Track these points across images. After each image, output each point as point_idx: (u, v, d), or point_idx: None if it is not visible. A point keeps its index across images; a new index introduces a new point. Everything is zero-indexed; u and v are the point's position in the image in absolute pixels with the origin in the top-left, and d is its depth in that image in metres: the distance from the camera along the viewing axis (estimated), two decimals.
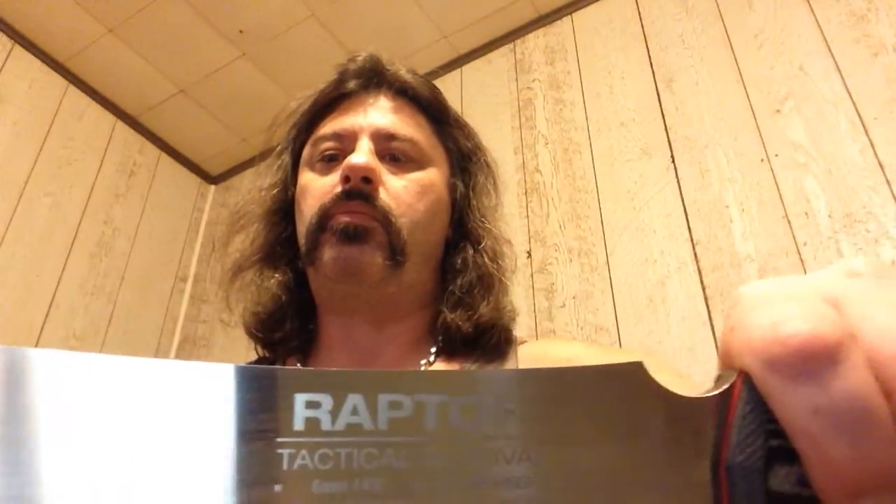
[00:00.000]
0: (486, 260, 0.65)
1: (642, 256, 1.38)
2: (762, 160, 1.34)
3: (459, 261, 0.66)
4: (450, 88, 1.95)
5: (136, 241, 2.05)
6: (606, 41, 1.71)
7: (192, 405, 0.15)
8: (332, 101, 0.69)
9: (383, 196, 0.61)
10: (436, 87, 0.73)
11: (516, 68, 1.85)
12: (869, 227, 1.17)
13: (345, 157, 0.62)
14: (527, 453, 0.16)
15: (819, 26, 1.39)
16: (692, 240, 1.34)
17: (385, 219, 0.60)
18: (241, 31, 1.91)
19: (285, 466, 0.15)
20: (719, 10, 1.55)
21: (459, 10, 1.86)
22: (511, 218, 1.59)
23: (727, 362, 0.17)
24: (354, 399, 0.15)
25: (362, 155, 0.61)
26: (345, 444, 0.15)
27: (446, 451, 0.15)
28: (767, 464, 0.16)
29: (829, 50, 1.36)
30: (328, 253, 0.59)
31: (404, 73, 0.71)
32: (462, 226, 0.68)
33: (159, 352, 2.01)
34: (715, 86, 1.48)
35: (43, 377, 0.15)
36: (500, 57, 1.90)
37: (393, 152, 0.64)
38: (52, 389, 0.15)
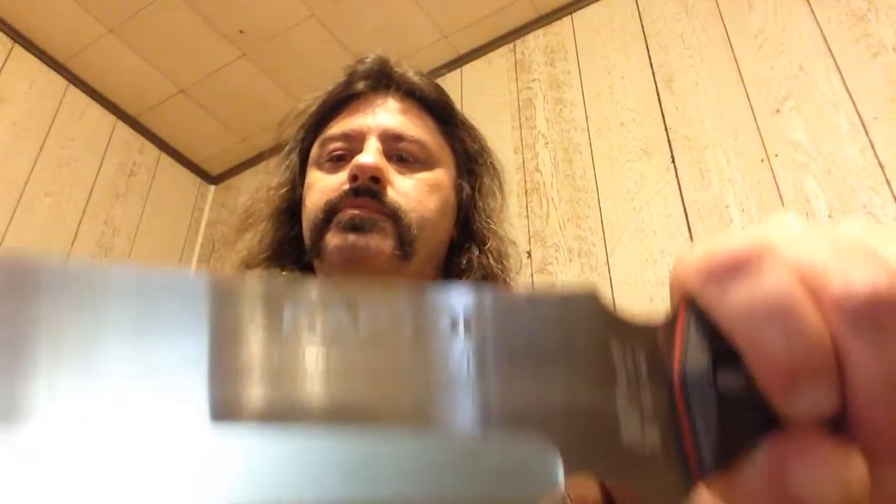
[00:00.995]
0: (491, 261, 0.66)
1: (642, 256, 1.38)
2: (762, 160, 1.34)
3: (465, 261, 0.66)
4: (450, 88, 1.94)
5: (136, 241, 2.05)
6: (606, 41, 1.71)
7: (174, 308, 0.17)
8: (340, 101, 0.70)
9: (391, 194, 0.61)
10: (443, 90, 0.74)
11: (516, 68, 1.85)
12: None
13: (353, 157, 0.62)
14: (483, 361, 0.18)
15: (819, 26, 1.40)
16: (692, 240, 1.34)
17: (394, 214, 0.60)
18: (241, 31, 1.91)
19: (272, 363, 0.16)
20: (719, 10, 1.55)
21: (459, 10, 1.86)
22: (511, 218, 1.59)
23: (672, 296, 0.20)
24: (337, 309, 0.17)
25: (370, 155, 0.61)
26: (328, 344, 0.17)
27: (408, 353, 0.17)
28: (715, 368, 0.18)
29: (829, 50, 1.36)
30: (334, 241, 0.59)
31: (412, 75, 0.71)
32: (467, 227, 0.69)
33: None
34: (715, 86, 1.48)
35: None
36: (500, 57, 1.90)
37: (401, 153, 0.65)
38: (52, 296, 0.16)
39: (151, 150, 2.21)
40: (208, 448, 0.15)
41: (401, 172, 0.64)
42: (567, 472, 0.17)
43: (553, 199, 1.57)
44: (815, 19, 1.41)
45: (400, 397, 0.17)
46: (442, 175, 0.67)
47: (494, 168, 0.76)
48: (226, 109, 2.15)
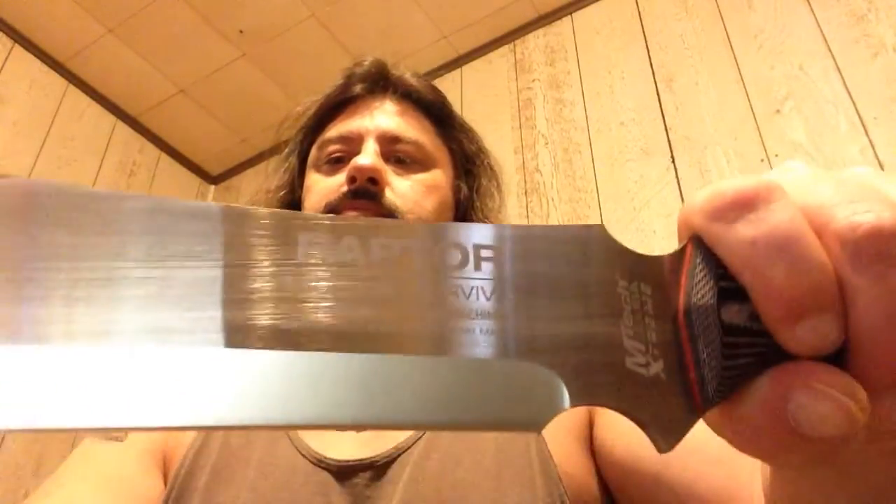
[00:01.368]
0: None
1: None
2: (762, 160, 1.34)
3: None
4: (450, 88, 1.95)
5: None
6: (606, 41, 1.71)
7: (190, 234, 0.17)
8: (338, 104, 0.70)
9: (389, 195, 0.62)
10: (440, 92, 0.74)
11: (516, 68, 1.85)
12: None
13: (351, 159, 0.63)
14: (496, 293, 0.18)
15: (819, 26, 1.40)
16: None
17: (392, 216, 0.60)
18: (241, 31, 1.91)
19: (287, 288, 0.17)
20: (719, 10, 1.55)
21: (459, 10, 1.86)
22: (511, 218, 1.59)
23: (680, 236, 0.20)
24: (350, 240, 0.18)
25: (368, 156, 0.62)
26: (341, 275, 0.18)
27: (421, 283, 0.18)
28: (720, 303, 0.18)
29: (829, 50, 1.36)
30: None
31: (409, 78, 0.72)
32: None
33: None
34: (715, 86, 1.48)
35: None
36: (500, 57, 1.90)
37: (398, 154, 0.65)
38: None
39: (151, 150, 2.21)
40: (222, 369, 0.16)
41: (398, 174, 0.64)
42: (574, 403, 0.18)
43: (553, 199, 1.57)
44: (815, 19, 1.41)
45: (413, 325, 0.18)
46: (439, 176, 0.68)
47: (492, 169, 0.76)
48: (226, 109, 2.15)
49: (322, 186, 0.64)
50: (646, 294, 0.19)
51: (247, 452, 0.56)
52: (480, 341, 0.18)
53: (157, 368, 0.16)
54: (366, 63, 0.71)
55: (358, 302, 0.17)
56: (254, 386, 0.16)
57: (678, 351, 0.19)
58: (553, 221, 1.54)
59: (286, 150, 0.75)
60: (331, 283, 0.17)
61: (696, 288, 0.18)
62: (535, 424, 0.18)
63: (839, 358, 0.17)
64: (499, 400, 0.17)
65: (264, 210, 0.18)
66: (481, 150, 0.76)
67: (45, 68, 1.94)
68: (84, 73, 2.01)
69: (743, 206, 0.18)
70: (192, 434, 0.58)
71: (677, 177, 1.43)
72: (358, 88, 0.70)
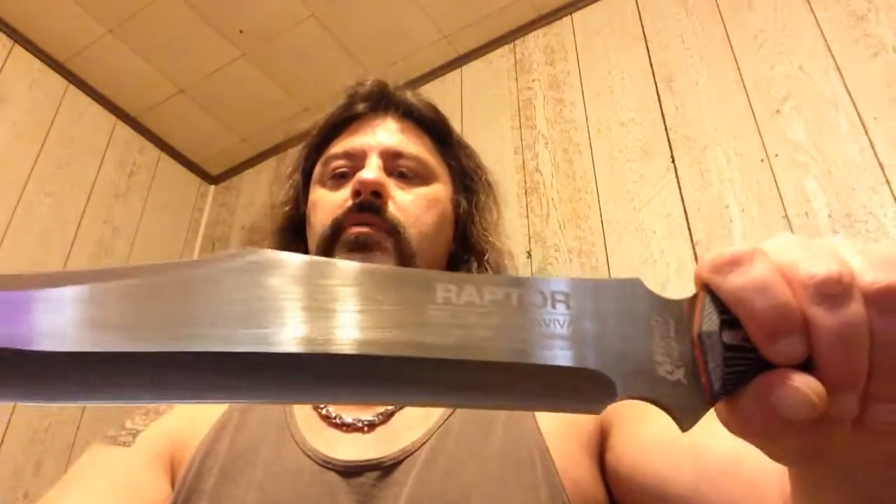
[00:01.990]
0: (490, 272, 0.71)
1: (642, 256, 1.38)
2: (762, 160, 1.34)
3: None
4: (450, 88, 1.95)
5: (136, 241, 2.05)
6: (606, 41, 1.71)
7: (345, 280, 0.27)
8: (341, 122, 0.74)
9: (392, 209, 0.65)
10: (440, 111, 0.78)
11: (516, 68, 1.85)
12: (869, 227, 1.17)
13: (354, 174, 0.66)
14: (566, 323, 0.27)
15: (819, 26, 1.39)
16: (692, 240, 1.34)
17: (394, 230, 0.64)
18: (241, 31, 1.91)
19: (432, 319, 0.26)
20: (719, 10, 1.55)
21: (459, 10, 1.86)
22: (511, 218, 1.59)
23: (695, 286, 0.28)
24: (469, 287, 0.27)
25: (372, 171, 0.65)
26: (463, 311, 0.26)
27: (517, 316, 0.27)
28: (722, 329, 0.26)
29: (829, 50, 1.36)
30: None
31: (410, 97, 0.75)
32: (466, 240, 0.73)
33: None
34: (715, 86, 1.48)
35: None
36: (500, 57, 1.90)
37: (400, 169, 0.69)
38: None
39: (151, 150, 2.21)
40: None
41: (401, 187, 0.67)
42: (621, 398, 0.26)
43: (553, 199, 1.57)
44: (815, 19, 1.41)
45: (514, 342, 0.26)
46: (440, 190, 0.71)
47: (490, 185, 0.80)
48: (226, 109, 2.15)
49: (328, 201, 0.67)
50: (670, 324, 0.27)
51: (254, 455, 0.56)
52: (558, 354, 0.26)
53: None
54: (368, 83, 0.75)
55: (477, 327, 0.26)
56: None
57: (694, 363, 0.26)
58: (553, 221, 1.54)
59: (290, 168, 0.78)
60: (457, 315, 0.26)
61: (705, 320, 0.26)
62: (595, 409, 0.26)
63: (807, 365, 0.24)
64: (571, 391, 0.26)
65: (416, 270, 0.29)
66: (479, 167, 0.80)
67: (45, 68, 1.94)
68: (84, 73, 2.01)
69: (735, 263, 0.25)
70: (199, 437, 0.59)
71: (677, 177, 1.43)
72: (361, 107, 0.73)
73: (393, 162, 0.68)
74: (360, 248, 0.62)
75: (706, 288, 0.26)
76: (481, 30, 1.91)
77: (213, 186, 2.40)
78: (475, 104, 1.86)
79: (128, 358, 0.24)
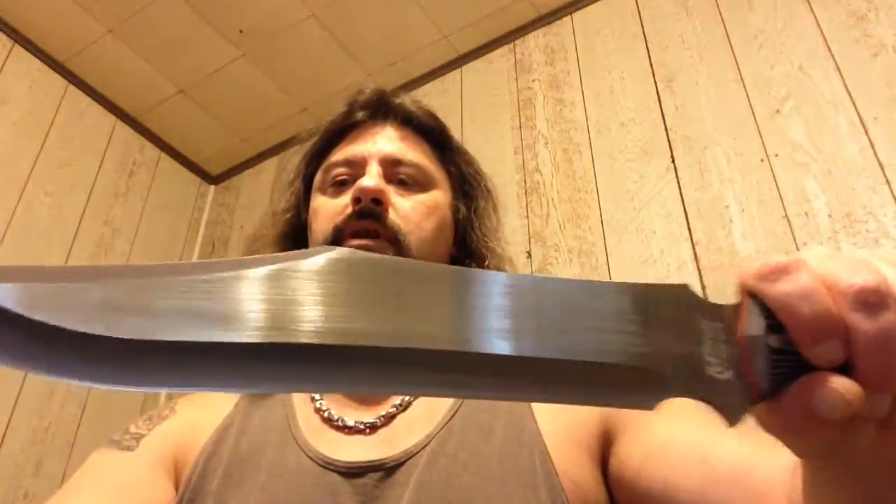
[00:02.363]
0: None
1: (642, 256, 1.38)
2: (762, 160, 1.34)
3: None
4: (450, 88, 1.95)
5: (136, 241, 2.05)
6: (606, 41, 1.71)
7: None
8: (341, 130, 0.75)
9: (392, 216, 0.66)
10: (438, 118, 0.79)
11: (516, 68, 1.85)
12: (869, 227, 1.17)
13: (355, 182, 0.67)
14: (632, 325, 0.29)
15: (819, 26, 1.40)
16: (692, 240, 1.34)
17: (395, 237, 0.65)
18: (241, 31, 1.91)
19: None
20: (719, 10, 1.55)
21: (459, 10, 1.86)
22: (511, 218, 1.59)
23: (737, 293, 0.29)
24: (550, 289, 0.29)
25: (372, 178, 0.66)
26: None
27: (591, 320, 0.29)
28: (767, 333, 0.27)
29: (829, 50, 1.36)
30: None
31: (409, 104, 0.76)
32: (465, 246, 0.74)
33: None
34: (715, 86, 1.48)
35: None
36: (500, 57, 1.90)
37: (400, 176, 0.70)
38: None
39: (151, 150, 2.21)
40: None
41: (400, 194, 0.68)
42: (675, 395, 0.28)
43: (553, 199, 1.57)
44: (815, 19, 1.41)
45: (590, 344, 0.28)
46: (439, 196, 0.72)
47: (489, 190, 0.81)
48: (226, 109, 2.15)
49: (328, 208, 0.68)
50: (719, 328, 0.29)
51: (257, 457, 0.57)
52: (623, 354, 0.28)
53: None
54: (367, 91, 0.76)
55: (555, 328, 0.28)
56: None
57: (741, 364, 0.28)
58: (553, 221, 1.55)
59: (291, 176, 0.79)
60: (542, 317, 0.29)
61: (751, 324, 0.28)
62: (650, 405, 0.28)
63: (844, 368, 0.26)
64: (627, 388, 0.28)
65: (492, 272, 0.30)
66: (478, 173, 0.81)
67: (45, 68, 1.94)
68: (84, 73, 2.01)
69: (781, 272, 0.27)
70: (202, 441, 0.60)
71: (677, 177, 1.43)
72: (360, 115, 0.74)
73: (393, 169, 0.69)
74: None
75: (750, 295, 0.29)
76: (481, 30, 1.91)
77: (213, 186, 2.40)
78: (475, 104, 1.86)
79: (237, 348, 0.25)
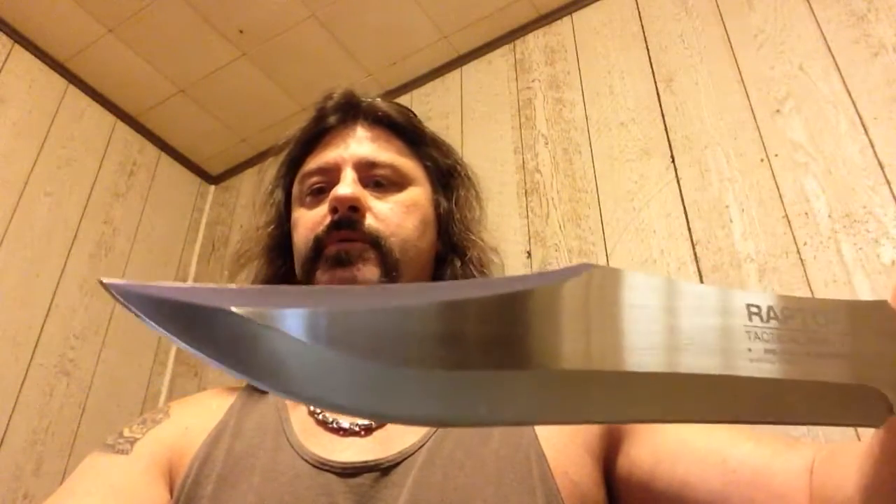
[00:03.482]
0: (474, 270, 0.71)
1: (642, 256, 1.38)
2: (762, 160, 1.34)
3: (448, 273, 0.70)
4: (450, 88, 1.95)
5: (136, 241, 2.05)
6: (606, 41, 1.71)
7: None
8: (314, 137, 0.74)
9: (371, 221, 0.65)
10: (408, 111, 0.77)
11: (516, 68, 1.85)
12: (869, 227, 1.17)
13: (331, 189, 0.66)
14: (837, 343, 0.28)
15: (819, 26, 1.39)
16: (692, 240, 1.34)
17: (375, 241, 0.64)
18: (241, 31, 1.91)
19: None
20: (719, 10, 1.55)
21: (459, 10, 1.86)
22: (511, 218, 1.59)
23: None
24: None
25: (346, 185, 0.65)
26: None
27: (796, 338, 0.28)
28: None
29: (829, 50, 1.36)
30: (323, 279, 0.63)
31: (378, 103, 0.75)
32: (449, 239, 0.73)
33: (159, 350, 2.01)
34: (715, 86, 1.48)
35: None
36: (500, 57, 1.90)
37: (375, 178, 0.69)
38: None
39: (151, 150, 2.21)
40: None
41: (378, 197, 0.68)
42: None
43: (553, 199, 1.57)
44: (815, 19, 1.41)
45: (791, 365, 0.27)
46: (417, 194, 0.71)
47: (469, 179, 0.79)
48: (226, 109, 2.15)
49: (307, 220, 0.68)
50: None
51: (251, 460, 0.57)
52: (842, 374, 0.27)
53: None
54: (336, 94, 0.74)
55: (780, 351, 0.28)
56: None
57: None
58: (553, 221, 1.55)
59: (270, 187, 0.78)
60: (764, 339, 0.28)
61: None
62: (875, 422, 0.28)
63: None
64: (848, 407, 0.28)
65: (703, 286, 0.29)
66: (457, 163, 0.79)
67: (44, 68, 1.93)
68: (84, 73, 2.01)
69: None
70: (196, 444, 0.60)
71: (677, 177, 1.43)
72: (331, 120, 0.73)
73: (368, 172, 0.68)
74: (342, 264, 0.63)
75: None
76: (481, 30, 1.91)
77: (213, 186, 2.40)
78: (475, 104, 1.86)
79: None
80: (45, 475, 1.61)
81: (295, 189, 0.73)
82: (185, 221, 2.27)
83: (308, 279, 0.65)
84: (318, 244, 0.65)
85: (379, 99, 0.76)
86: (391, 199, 0.68)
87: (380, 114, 0.73)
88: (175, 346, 2.11)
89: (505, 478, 0.53)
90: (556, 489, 0.53)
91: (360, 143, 0.71)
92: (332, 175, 0.68)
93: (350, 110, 0.74)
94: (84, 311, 1.84)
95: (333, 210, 0.65)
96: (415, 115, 0.77)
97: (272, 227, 0.75)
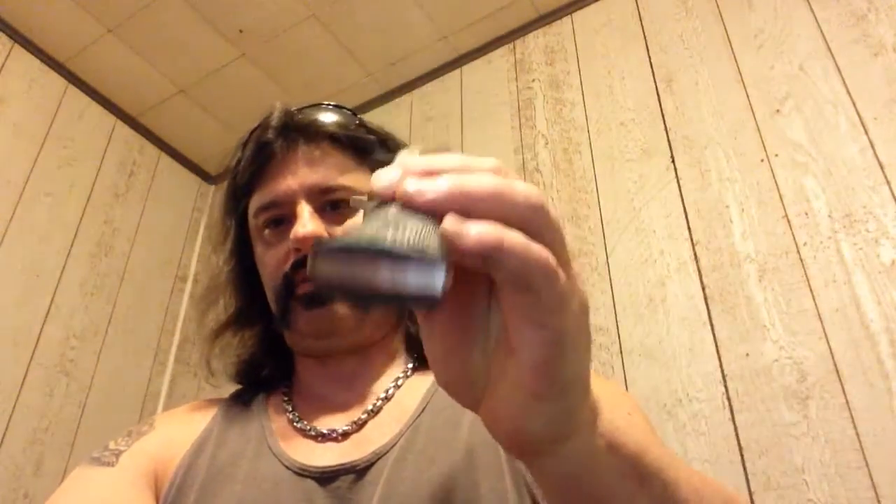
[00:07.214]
0: None
1: (642, 256, 1.38)
2: (762, 160, 1.34)
3: None
4: (450, 88, 1.95)
5: (135, 241, 2.05)
6: (606, 41, 1.71)
7: None
8: (259, 165, 0.70)
9: None
10: (353, 116, 0.73)
11: (516, 68, 1.85)
12: (869, 227, 1.17)
13: (288, 219, 0.65)
14: None
15: (819, 26, 1.39)
16: (692, 240, 1.34)
17: None
18: (241, 31, 1.91)
19: None
20: (719, 10, 1.55)
21: (459, 10, 1.86)
22: None
23: None
24: None
25: (303, 224, 0.63)
26: None
27: None
28: None
29: (829, 50, 1.36)
30: (300, 319, 0.64)
31: (319, 118, 0.71)
32: None
33: (159, 351, 2.01)
34: (715, 86, 1.48)
35: None
36: (500, 57, 1.90)
37: (331, 202, 0.66)
38: None
39: (151, 150, 2.21)
40: None
41: (337, 222, 0.65)
42: None
43: (553, 199, 1.57)
44: (815, 19, 1.41)
45: None
46: None
47: None
48: (226, 109, 2.15)
49: (271, 258, 0.67)
50: None
51: (233, 469, 0.58)
52: None
53: None
54: (273, 117, 0.70)
55: None
56: None
57: None
58: None
59: (222, 215, 0.75)
60: None
61: None
62: None
63: None
64: None
65: None
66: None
67: (44, 68, 1.94)
68: (84, 73, 2.01)
69: None
70: (180, 454, 0.61)
71: (677, 177, 1.43)
72: (274, 146, 0.69)
73: (322, 198, 0.66)
74: (316, 303, 0.63)
75: None
76: (481, 30, 1.91)
77: (212, 186, 2.40)
78: (475, 104, 1.86)
79: None
80: (45, 475, 1.61)
81: (251, 223, 0.70)
82: (185, 221, 2.27)
83: (285, 317, 0.65)
84: (289, 282, 0.64)
85: (320, 111, 0.72)
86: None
87: (319, 130, 0.70)
88: (175, 345, 2.09)
89: (474, 464, 0.54)
90: (523, 471, 0.55)
91: (308, 169, 0.67)
92: (285, 208, 0.66)
93: (290, 132, 0.70)
94: (84, 311, 1.84)
95: (296, 251, 0.64)
96: (360, 119, 0.73)
97: (233, 261, 0.73)
